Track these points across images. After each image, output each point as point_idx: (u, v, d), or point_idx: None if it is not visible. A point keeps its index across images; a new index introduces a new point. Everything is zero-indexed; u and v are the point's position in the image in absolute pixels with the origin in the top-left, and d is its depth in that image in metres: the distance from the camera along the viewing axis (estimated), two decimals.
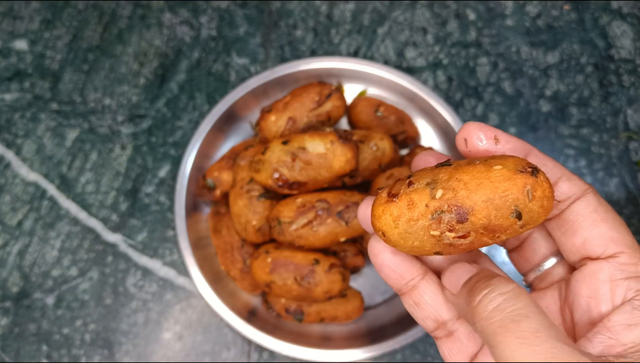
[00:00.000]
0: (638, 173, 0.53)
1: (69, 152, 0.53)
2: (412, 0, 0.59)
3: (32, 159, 0.53)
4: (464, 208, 0.19)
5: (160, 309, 0.49)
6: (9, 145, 0.54)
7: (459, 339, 0.22)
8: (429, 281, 0.23)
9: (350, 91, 0.53)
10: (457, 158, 0.27)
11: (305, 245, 0.41)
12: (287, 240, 0.41)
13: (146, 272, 0.50)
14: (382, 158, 0.44)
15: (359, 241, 0.47)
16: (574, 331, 0.22)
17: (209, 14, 0.58)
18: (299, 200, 0.41)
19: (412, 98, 0.51)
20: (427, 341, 0.47)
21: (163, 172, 0.53)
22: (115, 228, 0.51)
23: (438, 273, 0.24)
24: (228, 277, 0.48)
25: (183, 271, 0.50)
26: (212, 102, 0.55)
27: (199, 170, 0.49)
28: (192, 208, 0.49)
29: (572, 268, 0.23)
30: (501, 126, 0.54)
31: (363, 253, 0.46)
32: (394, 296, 0.49)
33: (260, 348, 0.48)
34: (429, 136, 0.52)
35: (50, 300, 0.49)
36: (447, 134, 0.51)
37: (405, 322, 0.45)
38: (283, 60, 0.56)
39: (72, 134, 0.54)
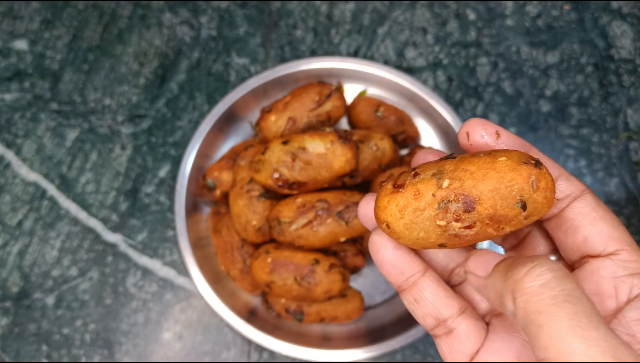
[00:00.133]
0: (638, 173, 0.53)
1: (69, 152, 0.53)
2: (412, 0, 0.59)
3: (32, 159, 0.53)
4: (471, 197, 0.19)
5: (160, 309, 0.49)
6: (9, 145, 0.54)
7: (459, 337, 0.22)
8: (429, 278, 0.23)
9: (350, 91, 0.53)
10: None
11: (305, 245, 0.41)
12: (287, 240, 0.41)
13: (146, 272, 0.50)
14: (382, 158, 0.44)
15: (359, 241, 0.47)
16: None
17: (209, 14, 0.58)
18: (299, 200, 0.41)
19: (412, 98, 0.51)
20: (427, 341, 0.47)
21: (163, 172, 0.53)
22: (115, 228, 0.51)
23: (438, 272, 0.24)
24: (228, 277, 0.48)
25: (183, 271, 0.50)
26: (212, 102, 0.55)
27: (199, 170, 0.49)
28: (192, 208, 0.49)
29: (571, 267, 0.23)
30: (501, 126, 0.54)
31: (363, 253, 0.46)
32: (394, 297, 0.49)
33: (260, 348, 0.48)
34: (429, 136, 0.52)
35: (50, 300, 0.49)
36: (447, 134, 0.50)
37: (405, 322, 0.45)
38: (283, 60, 0.56)
39: (72, 134, 0.54)
